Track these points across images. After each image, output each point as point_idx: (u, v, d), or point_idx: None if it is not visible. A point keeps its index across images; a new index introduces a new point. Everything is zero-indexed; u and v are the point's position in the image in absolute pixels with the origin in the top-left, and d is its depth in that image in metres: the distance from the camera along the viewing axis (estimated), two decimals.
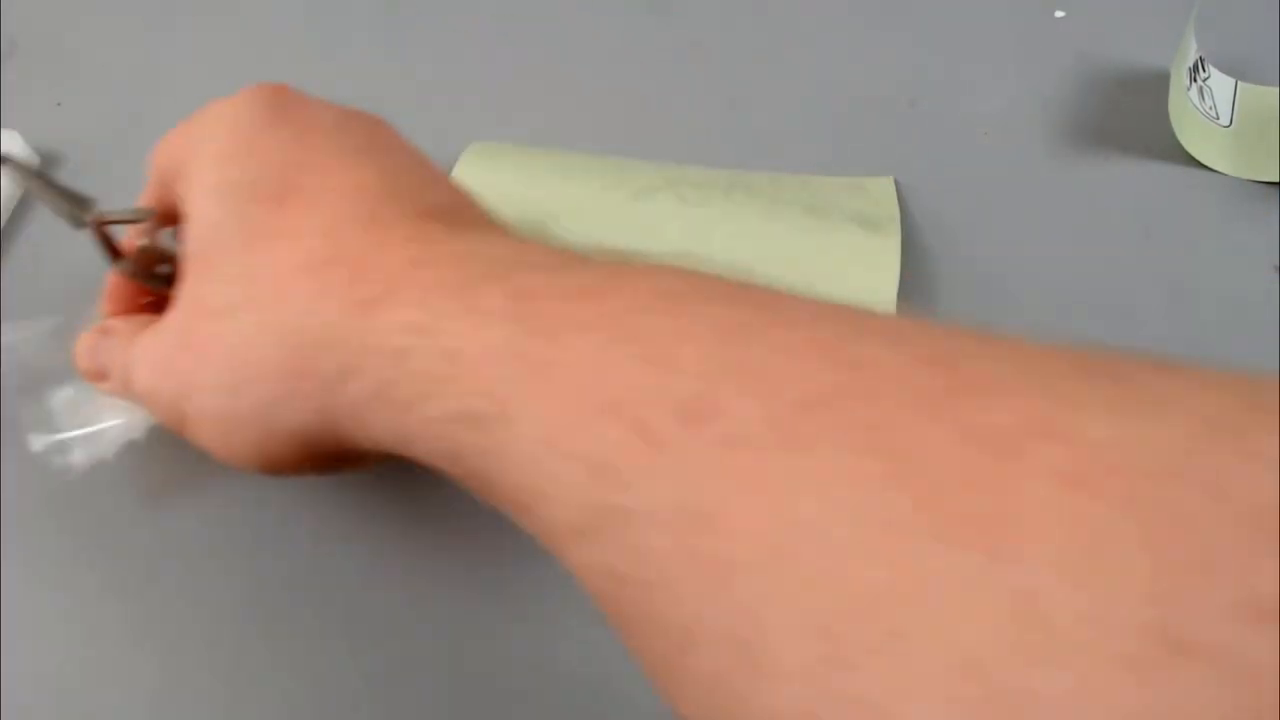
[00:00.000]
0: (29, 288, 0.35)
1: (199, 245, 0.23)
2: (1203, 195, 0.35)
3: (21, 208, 0.37)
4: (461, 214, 0.23)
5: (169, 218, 0.27)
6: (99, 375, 0.27)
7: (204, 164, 0.24)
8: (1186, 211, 0.35)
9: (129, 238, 0.27)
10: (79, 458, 0.28)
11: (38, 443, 0.28)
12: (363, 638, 0.28)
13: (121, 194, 0.38)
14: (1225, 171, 0.35)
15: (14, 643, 0.28)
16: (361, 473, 0.29)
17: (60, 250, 0.36)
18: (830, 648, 0.13)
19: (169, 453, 0.28)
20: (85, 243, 0.27)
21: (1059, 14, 0.40)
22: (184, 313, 0.24)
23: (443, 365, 0.19)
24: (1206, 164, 0.35)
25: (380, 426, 0.20)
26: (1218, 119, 0.34)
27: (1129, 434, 0.13)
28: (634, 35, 0.41)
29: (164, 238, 0.27)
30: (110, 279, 0.28)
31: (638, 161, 0.35)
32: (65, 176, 0.38)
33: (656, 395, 0.16)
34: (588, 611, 0.18)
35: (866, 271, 0.31)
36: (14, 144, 0.37)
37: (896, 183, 0.35)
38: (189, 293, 0.24)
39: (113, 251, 0.26)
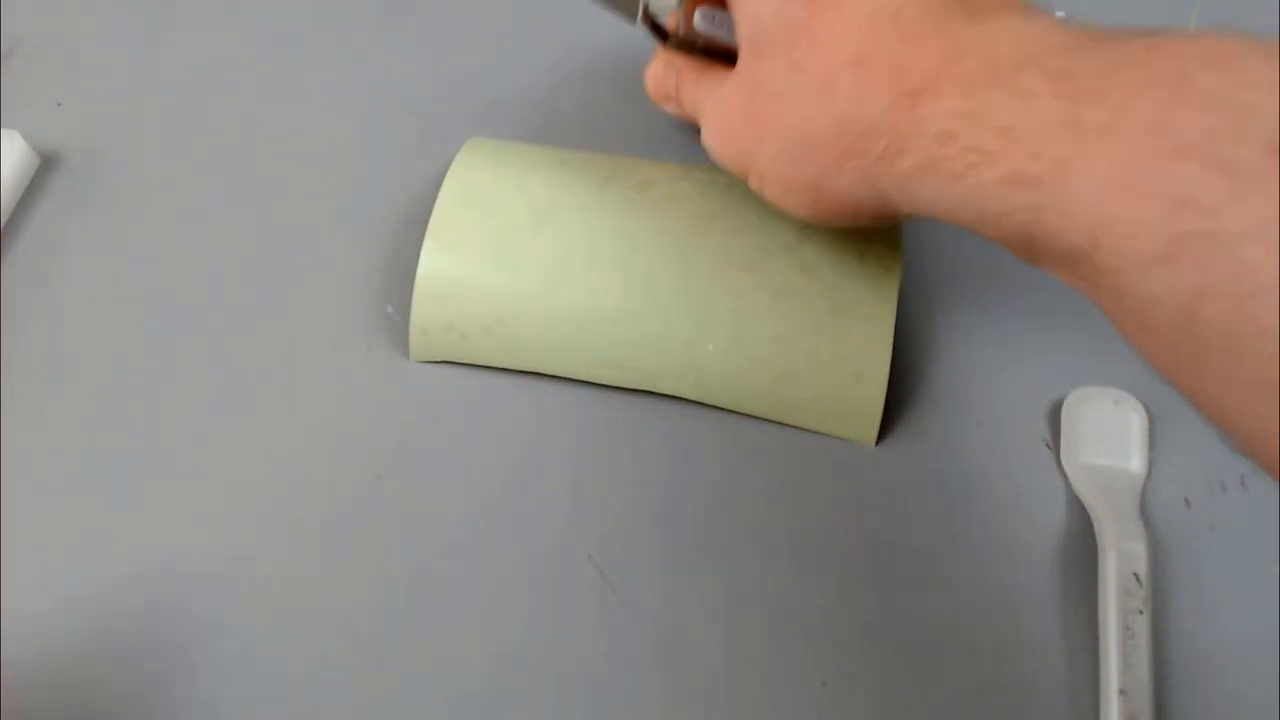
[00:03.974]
0: (30, 285, 0.35)
1: (749, 35, 0.27)
2: None
3: (23, 206, 0.37)
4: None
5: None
6: (664, 98, 0.32)
7: None
8: None
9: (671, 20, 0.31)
10: None
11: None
12: None
13: (122, 194, 0.38)
14: None
15: None
16: None
17: (61, 247, 0.36)
18: None
19: None
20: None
21: (1059, 14, 0.40)
22: (743, 89, 0.27)
23: (993, 140, 0.21)
24: None
25: (927, 194, 0.23)
26: None
27: None
28: (634, 34, 0.41)
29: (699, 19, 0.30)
30: (659, 54, 0.33)
31: (637, 159, 0.35)
32: (65, 176, 0.38)
33: (1233, 136, 0.17)
34: None
35: (869, 264, 0.31)
36: (14, 144, 0.37)
37: None
38: (746, 75, 0.27)
39: (659, 34, 0.31)
